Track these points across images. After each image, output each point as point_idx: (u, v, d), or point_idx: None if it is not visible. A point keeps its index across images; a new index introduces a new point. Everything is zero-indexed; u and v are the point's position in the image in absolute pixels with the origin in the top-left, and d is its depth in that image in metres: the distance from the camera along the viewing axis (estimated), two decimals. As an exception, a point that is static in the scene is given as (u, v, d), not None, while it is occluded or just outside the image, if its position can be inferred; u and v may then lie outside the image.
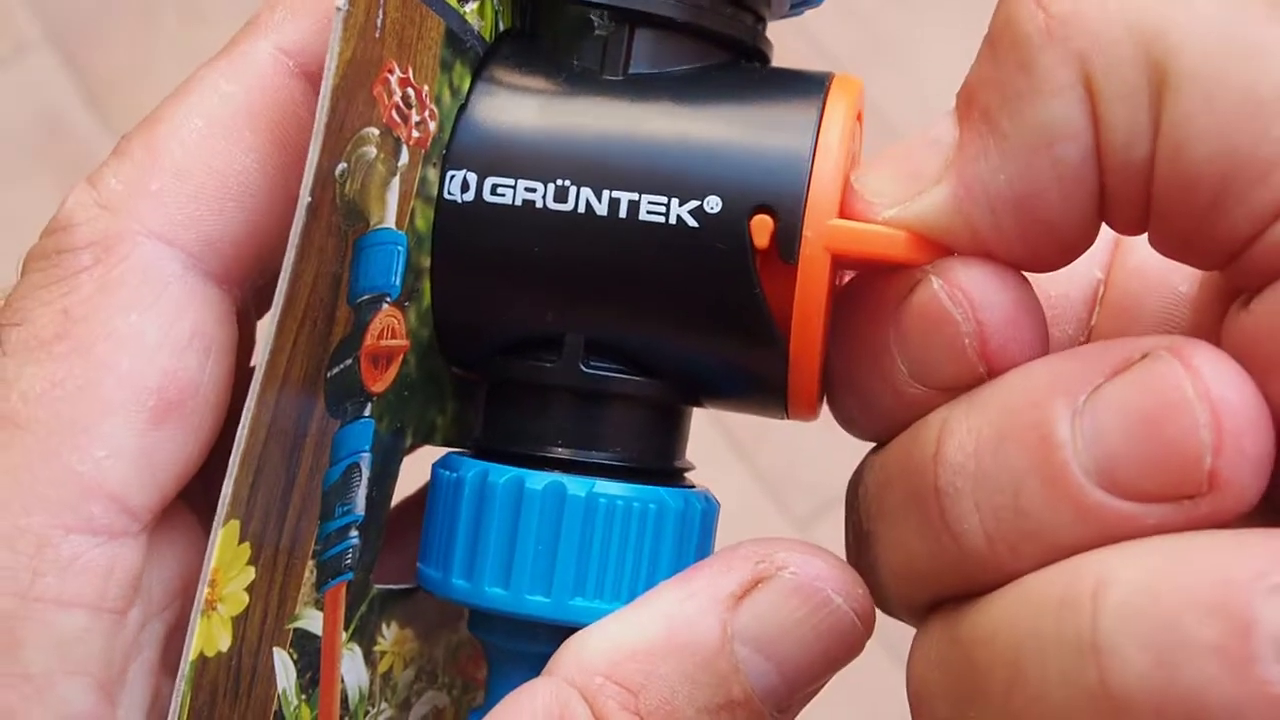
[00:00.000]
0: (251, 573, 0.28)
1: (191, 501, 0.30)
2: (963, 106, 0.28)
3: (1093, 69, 0.26)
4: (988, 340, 0.28)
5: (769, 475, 1.08)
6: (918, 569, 0.30)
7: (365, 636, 0.33)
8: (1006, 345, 0.28)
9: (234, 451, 0.27)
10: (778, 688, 0.29)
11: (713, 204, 0.30)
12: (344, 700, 0.32)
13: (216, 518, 0.27)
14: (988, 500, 0.27)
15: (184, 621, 0.29)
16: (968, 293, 0.28)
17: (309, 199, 0.27)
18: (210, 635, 0.27)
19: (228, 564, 0.27)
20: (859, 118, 0.32)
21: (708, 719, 0.29)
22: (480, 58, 0.32)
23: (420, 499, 0.37)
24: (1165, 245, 0.27)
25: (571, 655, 0.29)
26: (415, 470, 0.35)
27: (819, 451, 1.09)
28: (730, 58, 0.33)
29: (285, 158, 0.30)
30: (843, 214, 0.29)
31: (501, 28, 0.33)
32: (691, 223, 0.30)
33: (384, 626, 0.33)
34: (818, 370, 0.31)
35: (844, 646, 0.30)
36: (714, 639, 0.29)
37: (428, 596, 0.35)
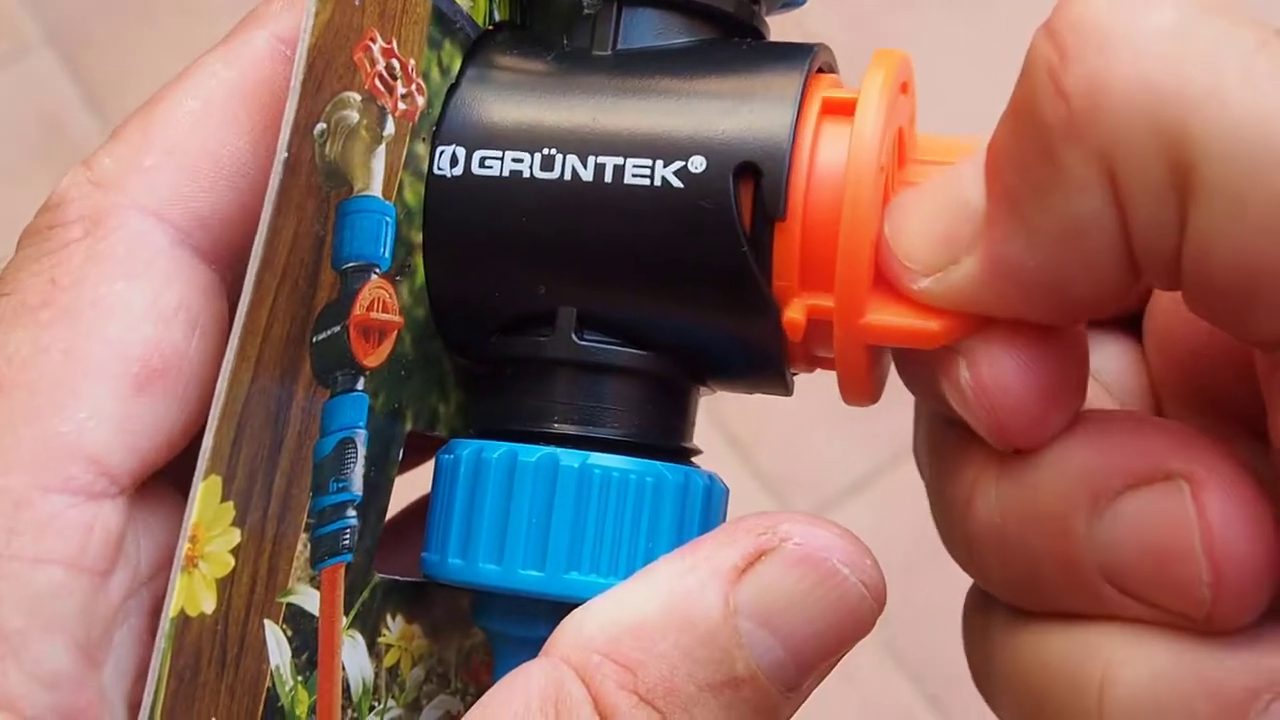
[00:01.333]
0: (237, 535, 0.28)
1: (179, 481, 0.30)
2: (989, 173, 0.27)
3: (1116, 166, 0.25)
4: (1011, 439, 0.28)
5: (769, 475, 1.07)
6: (957, 563, 0.31)
7: (368, 626, 0.32)
8: (1031, 437, 0.28)
9: (213, 405, 0.27)
10: (785, 664, 0.28)
11: (697, 164, 0.30)
12: (346, 689, 0.32)
13: (196, 471, 0.27)
14: (1010, 565, 0.29)
15: None
16: (991, 396, 0.28)
17: (286, 154, 0.28)
18: (192, 594, 0.27)
19: (209, 521, 0.27)
20: (905, 89, 0.31)
21: (710, 696, 0.28)
22: (471, 40, 0.33)
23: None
24: (1201, 316, 0.27)
25: (568, 634, 0.29)
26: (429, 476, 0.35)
27: (819, 451, 1.08)
28: (722, 34, 0.33)
29: (277, 140, 0.30)
30: (877, 262, 0.29)
31: (497, 18, 0.34)
32: (676, 183, 0.30)
33: (388, 618, 0.33)
34: (867, 380, 0.31)
35: (853, 620, 0.29)
36: (715, 613, 0.28)
37: (436, 593, 0.35)
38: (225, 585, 0.28)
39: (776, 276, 0.30)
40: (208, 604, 0.28)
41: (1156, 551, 0.27)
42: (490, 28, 0.34)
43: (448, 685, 0.36)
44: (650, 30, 0.32)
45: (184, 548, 0.27)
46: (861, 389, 0.31)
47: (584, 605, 0.29)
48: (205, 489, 0.27)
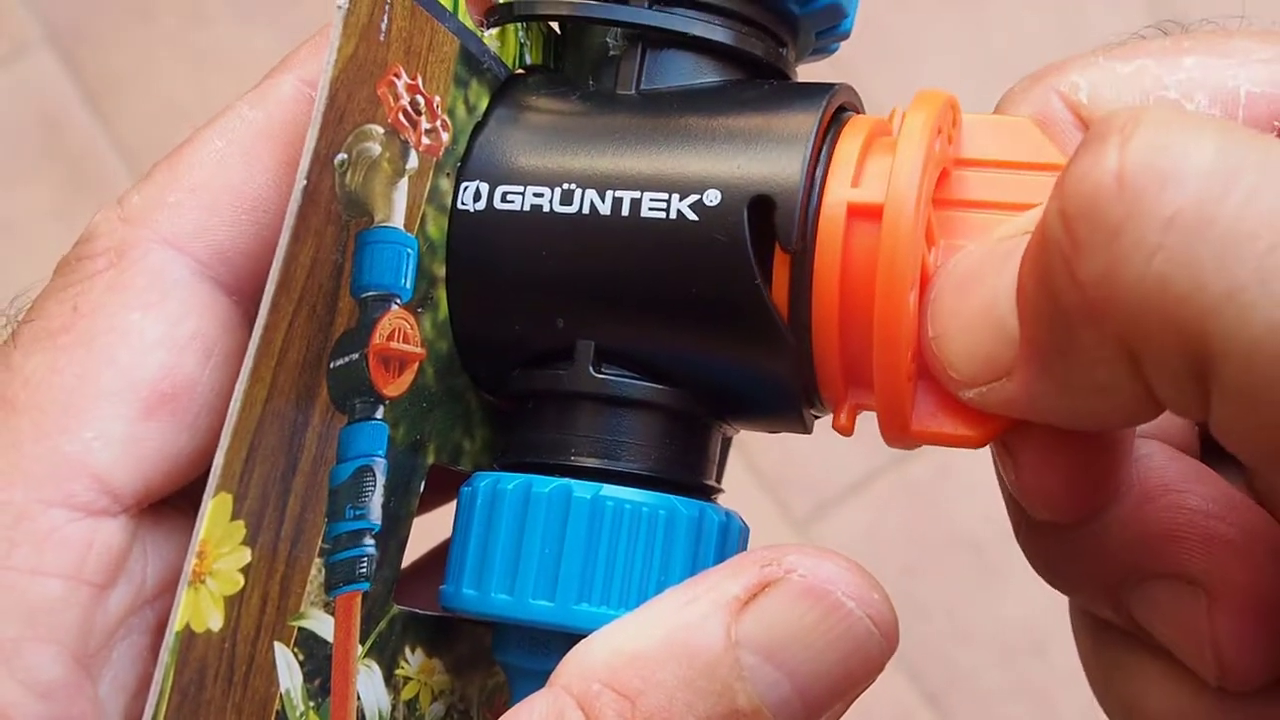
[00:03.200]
0: (247, 554, 0.28)
1: (195, 503, 0.30)
2: (1020, 308, 0.27)
3: (1135, 350, 0.24)
4: (1052, 520, 0.30)
5: (769, 475, 1.07)
6: None
7: (385, 656, 0.32)
8: (1070, 521, 0.30)
9: (226, 424, 0.27)
10: (791, 701, 0.28)
11: (712, 197, 0.30)
12: (361, 718, 0.32)
13: (207, 489, 0.27)
14: (1061, 586, 0.32)
15: None
16: (1033, 497, 0.29)
17: (304, 182, 0.28)
18: (198, 610, 0.27)
19: (218, 539, 0.28)
20: (940, 131, 0.30)
21: None
22: (500, 80, 0.33)
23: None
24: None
25: (571, 664, 0.29)
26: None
27: (818, 452, 1.08)
28: (747, 76, 0.33)
29: None
30: (918, 358, 0.29)
31: (529, 61, 0.34)
32: (691, 216, 0.30)
33: (407, 650, 0.33)
34: (913, 444, 0.31)
35: (861, 656, 0.28)
36: (716, 644, 0.28)
37: (461, 629, 0.35)
38: (234, 603, 0.28)
39: (821, 385, 0.31)
40: (215, 621, 0.28)
41: (1174, 635, 0.30)
42: (520, 70, 0.34)
43: (469, 723, 0.36)
44: (674, 71, 0.33)
45: (191, 563, 0.27)
46: (907, 448, 0.31)
47: (590, 636, 0.29)
48: (215, 506, 0.28)
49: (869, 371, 0.29)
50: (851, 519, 1.07)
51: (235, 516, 0.28)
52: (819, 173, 0.30)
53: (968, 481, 1.08)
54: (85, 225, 0.31)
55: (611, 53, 0.33)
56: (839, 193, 0.30)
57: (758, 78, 0.34)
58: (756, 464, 1.08)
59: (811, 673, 0.28)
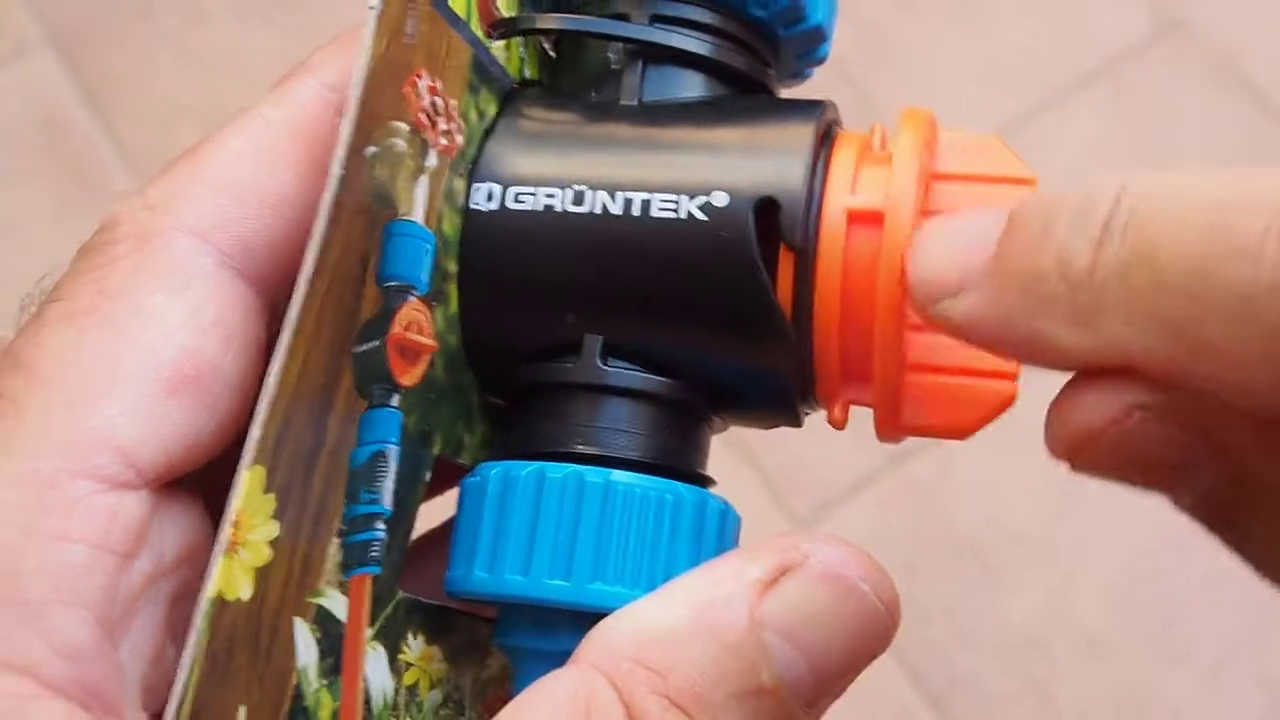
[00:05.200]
0: (276, 528, 0.29)
1: (207, 491, 0.32)
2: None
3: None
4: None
5: (769, 475, 1.08)
6: None
7: (390, 640, 0.33)
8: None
9: (261, 398, 0.29)
10: (805, 679, 0.30)
11: (720, 198, 0.32)
12: (367, 700, 0.33)
13: (242, 460, 0.28)
14: None
15: (192, 589, 0.30)
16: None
17: (340, 171, 0.29)
18: (231, 578, 0.28)
19: (252, 510, 0.29)
20: (928, 145, 0.33)
21: (735, 705, 0.29)
22: (505, 90, 0.35)
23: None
24: None
25: (597, 641, 0.30)
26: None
27: (819, 451, 1.09)
28: (736, 92, 0.36)
29: (321, 180, 0.32)
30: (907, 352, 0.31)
31: (527, 75, 0.36)
32: (701, 217, 0.32)
33: (410, 636, 0.34)
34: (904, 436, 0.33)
35: (872, 635, 0.30)
36: (741, 624, 0.29)
37: (457, 619, 0.36)
38: (263, 576, 0.29)
39: (819, 380, 0.33)
40: (245, 590, 0.29)
41: None
42: (519, 84, 0.36)
43: (463, 713, 0.37)
44: (672, 85, 0.35)
45: (227, 531, 0.28)
46: (896, 441, 0.33)
47: (612, 615, 0.30)
48: (250, 478, 0.29)
49: (865, 368, 0.31)
50: (853, 519, 1.08)
51: (268, 489, 0.29)
52: (817, 179, 0.32)
53: (969, 483, 1.08)
54: (94, 221, 0.32)
55: (613, 66, 0.35)
56: (840, 199, 0.32)
57: (745, 93, 0.36)
58: (758, 463, 1.09)
59: (827, 651, 0.30)
